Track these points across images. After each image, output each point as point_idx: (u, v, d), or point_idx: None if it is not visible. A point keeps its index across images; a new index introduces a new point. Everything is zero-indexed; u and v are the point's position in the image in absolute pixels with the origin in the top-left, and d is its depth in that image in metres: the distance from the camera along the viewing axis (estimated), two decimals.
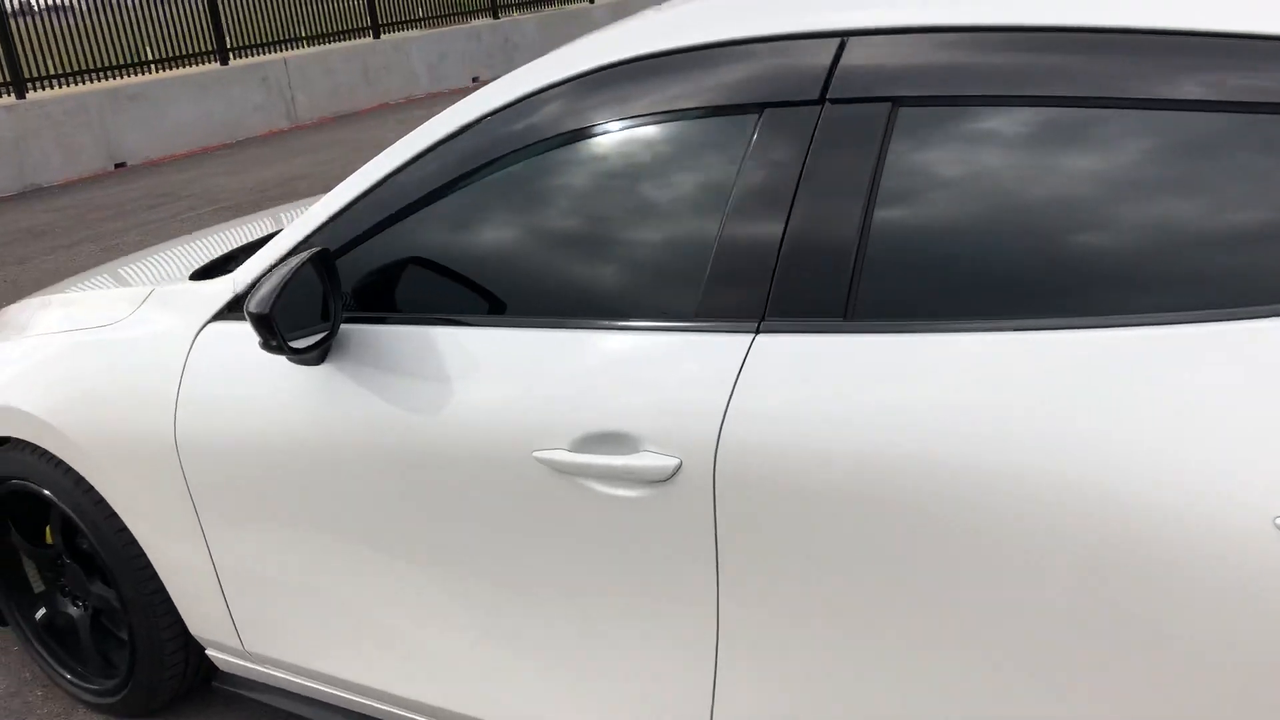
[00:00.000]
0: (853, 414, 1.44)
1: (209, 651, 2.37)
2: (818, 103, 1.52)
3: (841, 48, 1.53)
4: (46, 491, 2.39)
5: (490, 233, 1.81)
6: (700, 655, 1.64)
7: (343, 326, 1.90)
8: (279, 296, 1.75)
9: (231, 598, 2.19)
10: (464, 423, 1.74)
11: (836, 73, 1.52)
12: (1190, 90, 1.33)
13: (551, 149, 1.76)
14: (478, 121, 1.84)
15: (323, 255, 1.83)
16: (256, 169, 10.21)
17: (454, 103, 1.92)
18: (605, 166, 1.71)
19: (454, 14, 16.14)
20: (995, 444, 1.35)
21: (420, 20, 15.55)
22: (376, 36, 14.76)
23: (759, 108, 1.57)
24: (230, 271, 2.33)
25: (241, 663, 2.32)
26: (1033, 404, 1.34)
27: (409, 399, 1.80)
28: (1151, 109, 1.34)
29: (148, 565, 2.31)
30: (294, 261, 1.79)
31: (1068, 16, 1.41)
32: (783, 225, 1.52)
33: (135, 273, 2.69)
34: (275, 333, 1.76)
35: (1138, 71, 1.36)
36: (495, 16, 16.61)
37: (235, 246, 2.65)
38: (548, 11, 17.27)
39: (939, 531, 1.39)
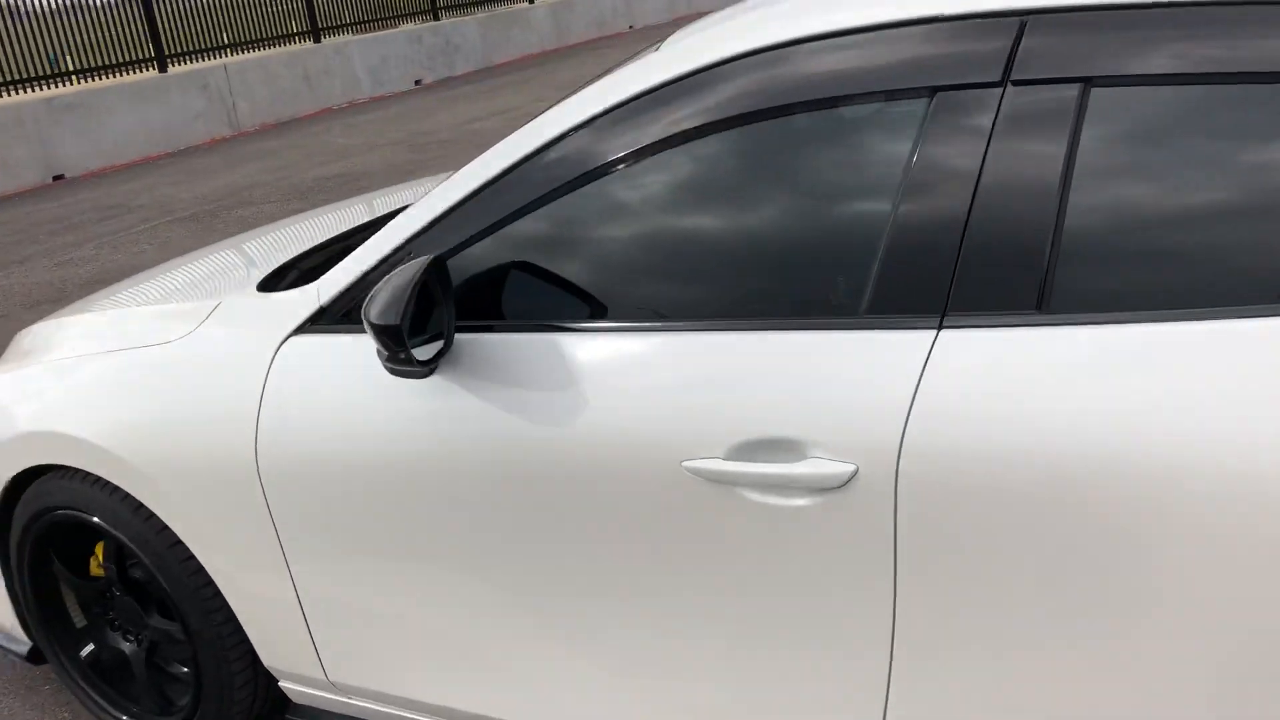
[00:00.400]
0: (1049, 411, 1.37)
1: (283, 683, 2.24)
2: (999, 85, 1.45)
3: (1022, 27, 1.46)
4: (98, 520, 2.24)
5: (621, 232, 1.71)
6: (872, 666, 1.56)
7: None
8: (408, 305, 1.63)
9: (317, 627, 2.07)
10: (600, 435, 1.65)
11: (1019, 53, 1.45)
12: None
13: (693, 140, 1.66)
14: (608, 112, 1.73)
15: (438, 262, 1.72)
16: (204, 178, 9.93)
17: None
18: (754, 157, 1.62)
19: (394, 16, 15.89)
20: (1204, 444, 1.29)
21: (360, 23, 15.28)
22: (317, 40, 14.47)
23: (930, 91, 1.49)
24: (288, 283, 2.21)
25: (322, 694, 2.19)
26: (1246, 401, 1.28)
27: (534, 411, 1.70)
28: None
29: (217, 595, 2.18)
30: (412, 269, 1.68)
31: None
32: (965, 214, 1.45)
33: (157, 290, 2.55)
34: (404, 344, 1.64)
35: None
36: (436, 18, 16.39)
37: (286, 258, 2.51)
38: (489, 12, 17.09)
39: (1143, 536, 1.33)
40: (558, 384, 1.69)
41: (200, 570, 2.17)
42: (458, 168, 2.08)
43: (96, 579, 2.46)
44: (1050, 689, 1.44)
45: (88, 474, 2.22)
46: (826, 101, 1.57)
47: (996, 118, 1.44)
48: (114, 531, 2.22)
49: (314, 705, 2.24)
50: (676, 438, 1.60)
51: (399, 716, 2.10)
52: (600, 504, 1.67)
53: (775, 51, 1.62)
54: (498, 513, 1.76)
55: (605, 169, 1.72)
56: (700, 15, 19.82)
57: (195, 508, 2.08)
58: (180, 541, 2.17)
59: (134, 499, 2.18)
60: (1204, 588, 1.31)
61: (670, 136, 1.67)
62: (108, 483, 2.20)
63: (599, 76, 1.82)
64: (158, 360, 2.13)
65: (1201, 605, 1.32)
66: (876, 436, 1.46)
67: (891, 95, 1.52)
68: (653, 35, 18.52)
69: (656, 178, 1.68)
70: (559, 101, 1.81)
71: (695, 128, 1.65)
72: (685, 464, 1.59)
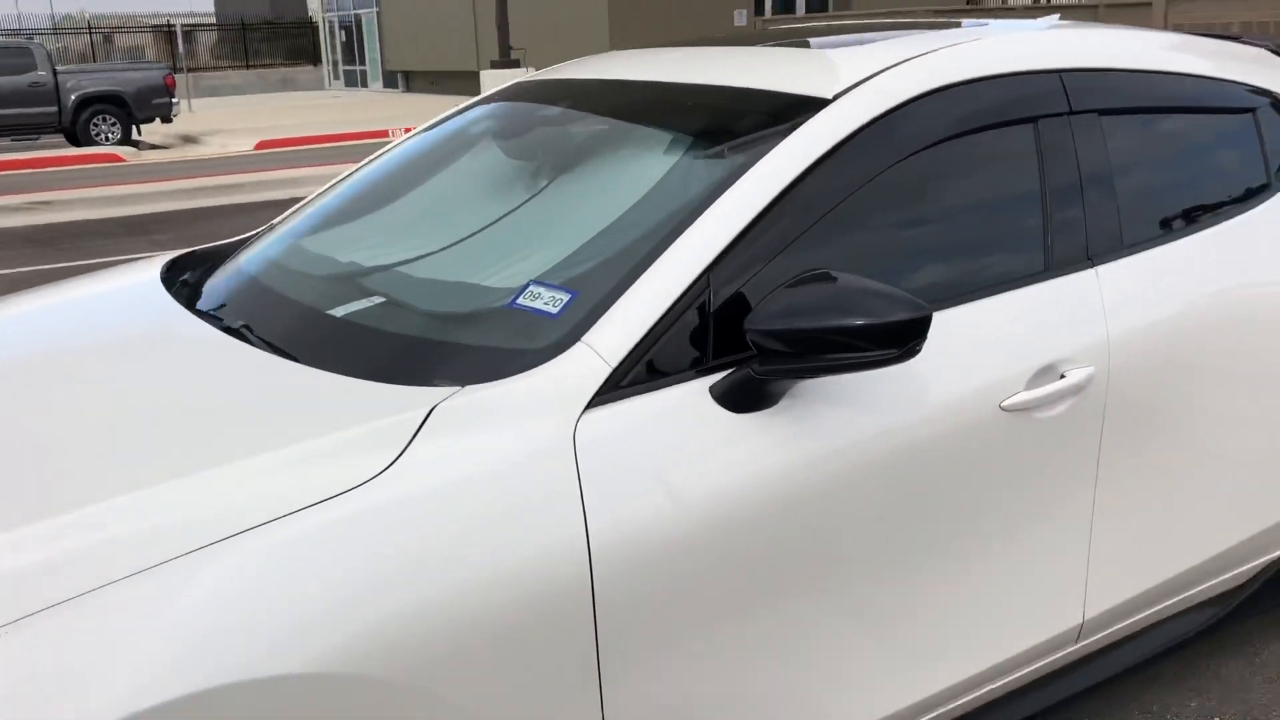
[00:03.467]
0: (1176, 305, 2.25)
1: None
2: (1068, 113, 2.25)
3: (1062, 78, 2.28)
4: None
5: (914, 222, 2.01)
6: (1078, 539, 2.18)
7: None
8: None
9: None
10: (939, 407, 1.94)
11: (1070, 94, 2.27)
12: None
13: (919, 153, 2.05)
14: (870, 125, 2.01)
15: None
16: None
17: None
18: (964, 166, 2.09)
19: None
20: None
21: None
22: None
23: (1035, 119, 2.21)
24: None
25: None
26: None
27: (893, 401, 1.88)
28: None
29: None
30: (824, 280, 1.73)
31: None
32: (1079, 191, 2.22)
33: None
34: (926, 331, 1.70)
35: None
36: None
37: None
38: None
39: None
40: (900, 371, 1.91)
41: None
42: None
43: None
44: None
45: None
46: (1001, 123, 2.16)
47: (1072, 131, 2.24)
48: None
49: None
50: (989, 386, 2.00)
51: None
52: (945, 470, 1.94)
53: (958, 88, 2.12)
54: (872, 516, 1.86)
55: (879, 178, 1.99)
56: None
57: (482, 693, 1.54)
58: None
59: None
60: None
61: (913, 154, 2.04)
62: None
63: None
64: (364, 513, 1.49)
65: None
66: (1102, 348, 2.13)
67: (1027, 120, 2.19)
68: None
69: (918, 179, 2.03)
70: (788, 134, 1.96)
71: (927, 146, 2.07)
72: (1002, 404, 2.01)
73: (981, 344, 2.01)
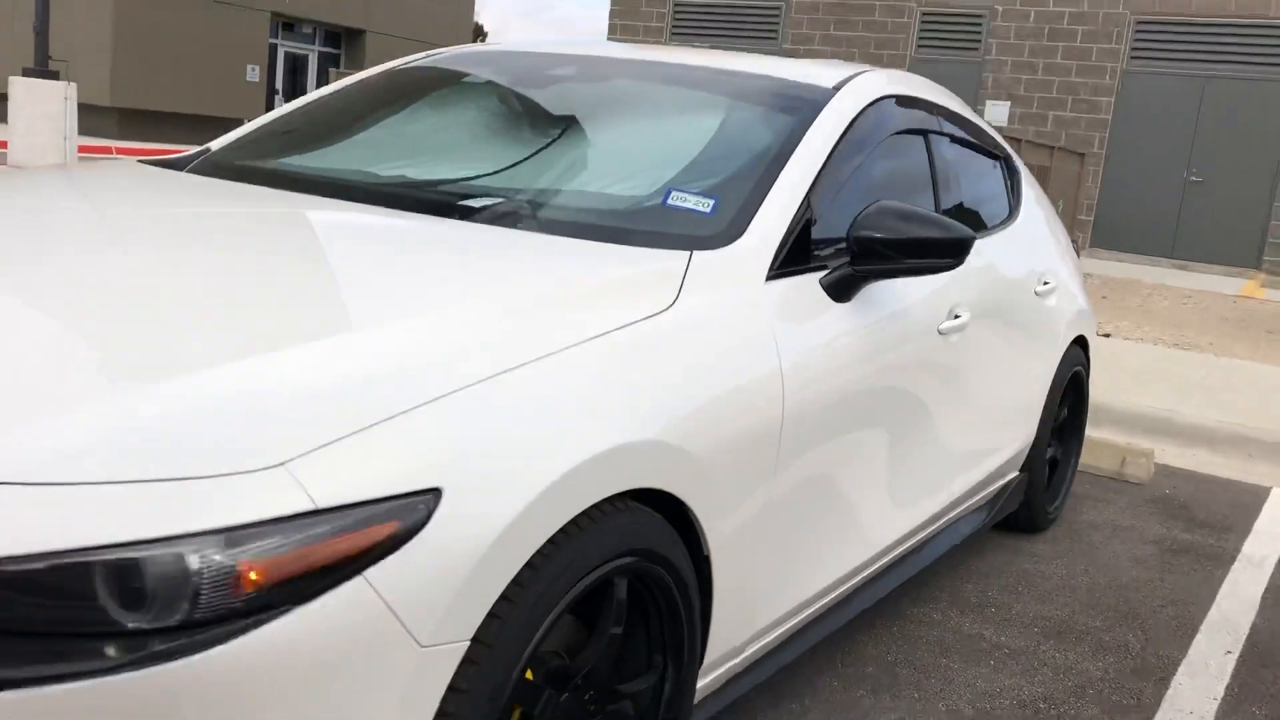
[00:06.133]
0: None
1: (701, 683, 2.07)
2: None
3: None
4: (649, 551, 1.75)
5: (884, 185, 2.68)
6: (952, 431, 2.97)
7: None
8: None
9: (767, 572, 2.16)
10: (920, 323, 2.63)
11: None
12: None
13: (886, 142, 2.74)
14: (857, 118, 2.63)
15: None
16: None
17: None
18: (891, 159, 2.81)
19: None
20: None
21: None
22: None
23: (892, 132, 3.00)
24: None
25: (733, 662, 2.15)
26: None
27: (903, 314, 2.55)
28: None
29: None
30: (894, 205, 2.34)
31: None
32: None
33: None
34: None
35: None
36: None
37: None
38: None
39: None
40: (902, 294, 2.58)
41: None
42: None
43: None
44: None
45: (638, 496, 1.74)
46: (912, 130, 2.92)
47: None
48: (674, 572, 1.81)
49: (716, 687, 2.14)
50: (937, 315, 2.74)
51: (782, 633, 2.32)
52: (911, 370, 2.64)
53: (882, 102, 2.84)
54: (880, 393, 2.50)
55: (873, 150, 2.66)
56: None
57: (726, 487, 1.96)
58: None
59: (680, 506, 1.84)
60: None
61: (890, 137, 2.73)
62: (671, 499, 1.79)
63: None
64: (665, 332, 1.88)
65: None
66: (968, 297, 2.95)
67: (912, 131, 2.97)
68: None
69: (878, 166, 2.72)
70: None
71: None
72: (939, 329, 2.74)
73: (928, 285, 2.74)
